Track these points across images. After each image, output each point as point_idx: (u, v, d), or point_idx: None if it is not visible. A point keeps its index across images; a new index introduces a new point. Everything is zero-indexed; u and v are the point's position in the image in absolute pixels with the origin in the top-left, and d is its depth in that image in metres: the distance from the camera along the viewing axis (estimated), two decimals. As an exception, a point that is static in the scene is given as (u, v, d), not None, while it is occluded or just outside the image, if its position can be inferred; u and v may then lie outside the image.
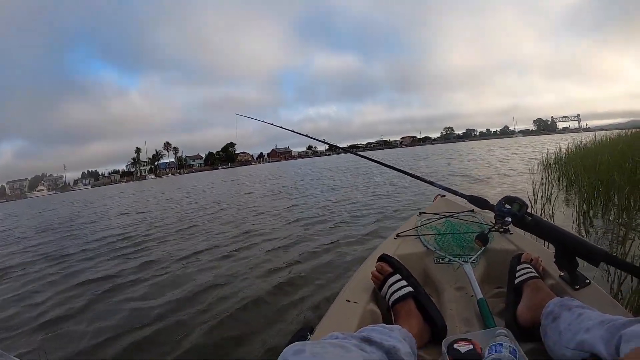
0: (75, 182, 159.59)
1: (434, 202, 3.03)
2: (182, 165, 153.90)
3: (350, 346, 0.93)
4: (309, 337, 1.28)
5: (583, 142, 11.94)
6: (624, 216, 4.30)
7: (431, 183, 1.97)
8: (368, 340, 1.04)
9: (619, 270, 2.59)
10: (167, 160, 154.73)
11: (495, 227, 1.58)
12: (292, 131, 2.94)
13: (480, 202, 1.72)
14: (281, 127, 3.08)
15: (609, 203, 5.00)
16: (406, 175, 2.08)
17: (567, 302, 1.26)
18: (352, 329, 1.27)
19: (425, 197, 8.11)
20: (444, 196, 3.05)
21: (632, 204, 4.47)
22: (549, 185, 6.69)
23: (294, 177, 21.84)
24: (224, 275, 4.36)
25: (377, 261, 1.65)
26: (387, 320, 1.50)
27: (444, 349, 1.20)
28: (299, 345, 0.87)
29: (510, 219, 1.52)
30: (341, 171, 23.27)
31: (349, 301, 1.55)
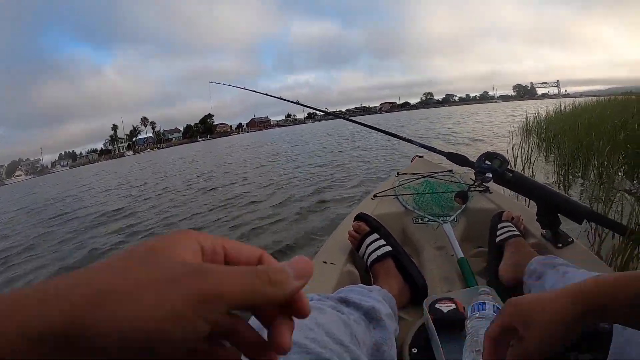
0: (53, 164, 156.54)
1: (412, 162, 2.96)
2: (161, 139, 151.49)
3: (325, 308, 0.87)
4: None
5: (562, 107, 11.97)
6: (604, 176, 4.31)
7: (409, 141, 1.90)
8: (345, 301, 0.98)
9: (599, 229, 2.60)
10: (145, 136, 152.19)
11: (476, 183, 1.53)
12: (270, 95, 2.80)
13: (459, 159, 1.66)
14: (257, 92, 2.94)
15: (589, 164, 5.03)
16: (387, 136, 2.01)
17: (550, 260, 1.22)
18: (329, 291, 1.21)
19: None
20: (422, 157, 2.98)
21: (611, 165, 4.47)
22: (529, 147, 6.70)
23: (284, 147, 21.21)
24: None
25: (354, 220, 1.58)
26: (366, 282, 1.45)
27: (425, 308, 1.16)
28: None
29: (490, 175, 1.47)
30: (328, 134, 23.20)
31: (325, 262, 1.49)
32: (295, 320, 0.71)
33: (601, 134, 5.70)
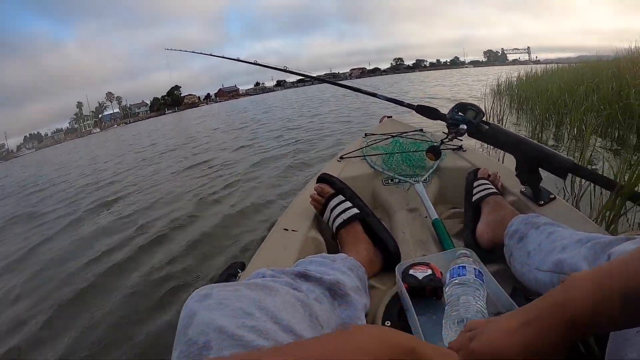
0: (19, 147, 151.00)
1: (380, 123, 2.82)
2: (128, 114, 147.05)
3: (278, 286, 0.72)
4: (239, 274, 1.08)
5: (534, 72, 12.01)
6: (578, 135, 4.34)
7: (374, 95, 1.78)
8: (304, 276, 0.84)
9: (579, 186, 2.54)
10: (112, 112, 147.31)
11: (449, 137, 1.40)
12: (236, 60, 2.64)
13: (430, 112, 1.54)
14: (219, 57, 2.76)
15: (562, 124, 5.07)
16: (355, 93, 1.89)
17: (533, 219, 1.11)
18: (290, 262, 1.08)
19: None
20: (391, 117, 2.86)
21: (585, 126, 4.45)
22: (500, 108, 6.73)
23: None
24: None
25: (317, 183, 1.44)
26: (334, 250, 1.32)
27: (398, 276, 1.04)
28: (206, 289, 0.65)
29: (465, 127, 1.36)
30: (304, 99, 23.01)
31: (286, 230, 1.36)
32: (229, 304, 0.61)
33: (574, 96, 5.69)
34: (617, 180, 1.74)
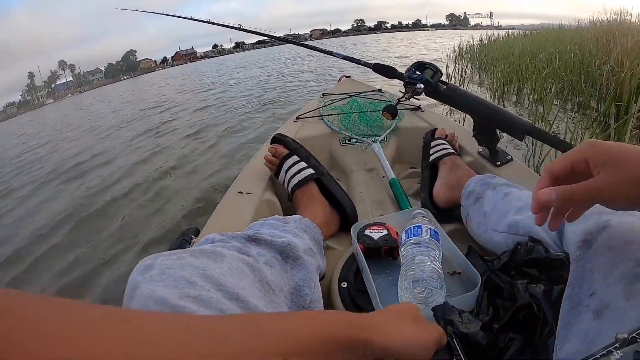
0: None
1: (338, 83, 2.75)
2: (82, 83, 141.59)
3: (225, 251, 0.69)
4: (193, 241, 1.04)
5: (496, 36, 12.07)
6: (538, 100, 4.43)
7: (330, 53, 1.73)
8: (255, 240, 0.80)
9: (538, 149, 2.56)
10: (65, 80, 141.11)
11: (406, 96, 1.37)
12: (189, 18, 2.52)
13: (387, 71, 1.51)
14: (171, 16, 2.64)
15: (523, 88, 5.15)
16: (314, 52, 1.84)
17: (489, 180, 1.11)
18: (244, 226, 1.03)
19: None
20: (349, 77, 2.80)
21: (546, 90, 4.55)
22: (461, 71, 6.77)
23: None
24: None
25: (271, 143, 1.40)
26: (290, 212, 1.28)
27: (353, 236, 1.03)
28: (149, 259, 0.61)
29: (422, 86, 1.33)
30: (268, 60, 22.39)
31: (241, 193, 1.31)
32: (172, 273, 0.58)
33: (537, 61, 5.79)
34: (574, 144, 1.76)
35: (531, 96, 4.68)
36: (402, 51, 16.06)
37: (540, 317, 0.65)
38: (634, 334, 0.40)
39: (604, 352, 0.39)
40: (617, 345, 0.39)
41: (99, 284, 2.17)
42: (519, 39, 10.26)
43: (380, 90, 2.28)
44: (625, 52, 4.48)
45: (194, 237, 1.07)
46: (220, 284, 0.59)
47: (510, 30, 14.80)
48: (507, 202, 0.96)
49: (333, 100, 2.14)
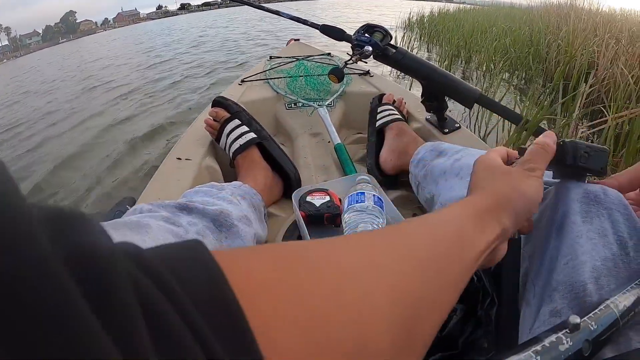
0: None
1: (286, 46, 2.69)
2: (18, 47, 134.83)
3: (152, 222, 0.64)
4: (128, 211, 0.98)
5: (446, 9, 12.17)
6: (486, 72, 4.51)
7: (277, 13, 1.65)
8: (187, 209, 0.76)
9: (486, 117, 2.59)
10: (0, 45, 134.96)
11: (353, 59, 1.33)
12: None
13: (335, 32, 1.45)
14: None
15: (470, 61, 5.25)
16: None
17: (439, 146, 1.08)
18: (182, 194, 0.98)
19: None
20: (298, 40, 2.72)
21: (494, 64, 4.62)
22: (410, 41, 6.81)
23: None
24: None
25: (212, 107, 1.33)
26: (232, 178, 1.22)
27: (294, 204, 0.99)
28: None
29: (370, 49, 1.28)
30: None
31: (180, 159, 1.24)
32: None
33: (487, 35, 5.89)
34: (522, 115, 1.77)
35: (479, 69, 4.76)
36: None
37: (480, 287, 0.64)
38: (585, 318, 0.39)
39: (554, 339, 0.37)
40: (567, 331, 0.37)
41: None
42: (470, 13, 10.40)
43: (329, 54, 2.22)
44: (576, 32, 4.62)
45: (129, 207, 1.00)
46: None
47: (462, 5, 14.97)
48: (459, 167, 0.94)
49: (280, 63, 2.08)
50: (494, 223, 0.44)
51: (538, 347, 0.36)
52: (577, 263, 0.48)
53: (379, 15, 16.31)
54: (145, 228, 0.61)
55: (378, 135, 1.36)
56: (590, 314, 0.40)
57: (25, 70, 13.99)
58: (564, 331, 0.37)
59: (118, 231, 0.58)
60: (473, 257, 0.40)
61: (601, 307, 0.41)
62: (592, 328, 0.38)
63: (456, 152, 1.00)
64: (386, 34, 1.33)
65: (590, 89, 2.95)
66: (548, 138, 0.55)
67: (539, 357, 0.35)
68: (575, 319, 0.38)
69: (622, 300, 0.41)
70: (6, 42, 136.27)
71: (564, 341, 0.36)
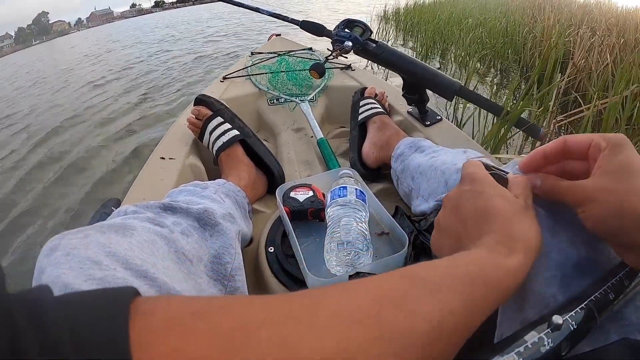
0: None
1: (268, 41, 2.68)
2: None
3: (137, 224, 0.63)
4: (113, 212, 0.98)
5: (422, 0, 12.21)
6: (462, 63, 4.58)
7: (257, 10, 1.64)
8: (171, 208, 0.75)
9: (464, 112, 2.61)
10: None
11: (333, 54, 1.34)
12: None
13: (315, 28, 1.46)
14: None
15: (447, 52, 5.31)
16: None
17: (418, 142, 1.11)
18: (167, 193, 0.98)
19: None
20: (280, 35, 2.73)
21: (469, 55, 4.66)
22: (386, 33, 6.90)
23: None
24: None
25: (194, 105, 1.32)
26: (217, 176, 1.22)
27: (278, 200, 1.00)
28: (55, 240, 0.53)
29: (350, 44, 1.29)
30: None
31: (163, 158, 1.24)
32: (77, 254, 0.52)
33: (462, 26, 5.93)
34: (503, 106, 1.79)
35: (455, 59, 4.81)
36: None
37: None
38: (567, 317, 0.39)
39: (536, 339, 0.38)
40: (549, 330, 0.38)
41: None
42: (445, 5, 10.44)
43: (311, 49, 2.23)
44: (551, 22, 4.68)
45: (114, 209, 0.99)
46: (126, 262, 0.54)
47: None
48: (433, 163, 0.96)
49: (262, 59, 2.08)
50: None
51: (521, 349, 0.37)
52: (549, 276, 0.47)
53: (355, 6, 16.31)
54: (130, 230, 0.61)
55: (360, 129, 1.37)
56: (572, 313, 0.40)
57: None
58: (545, 331, 0.38)
59: (104, 234, 0.57)
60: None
61: (582, 306, 0.41)
62: (572, 327, 0.39)
63: (434, 151, 1.03)
64: (366, 28, 1.34)
65: (567, 79, 3.00)
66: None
67: (521, 359, 0.36)
68: (557, 319, 0.38)
69: (601, 298, 0.42)
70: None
71: (546, 342, 0.37)
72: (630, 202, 0.39)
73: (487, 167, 0.53)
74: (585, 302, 0.41)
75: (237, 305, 0.31)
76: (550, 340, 0.37)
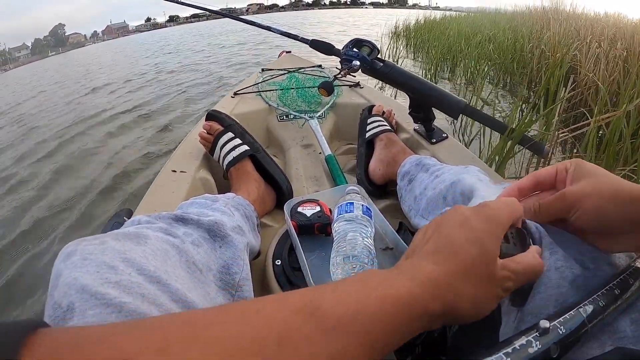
0: None
1: (278, 58, 2.74)
2: (7, 60, 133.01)
3: (150, 233, 0.66)
4: (126, 222, 1.01)
5: (432, 17, 12.26)
6: (470, 79, 4.60)
7: (268, 28, 1.69)
8: (182, 220, 0.78)
9: (469, 129, 2.62)
10: None
11: (342, 73, 1.37)
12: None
13: (324, 47, 1.50)
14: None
15: (456, 68, 5.32)
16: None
17: (424, 161, 1.13)
18: (177, 205, 1.02)
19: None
20: (290, 52, 2.79)
21: (478, 71, 4.68)
22: (396, 49, 6.88)
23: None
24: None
25: (205, 120, 1.36)
26: (226, 190, 1.25)
27: (286, 214, 1.02)
28: (71, 246, 0.56)
29: (358, 63, 1.33)
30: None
31: (174, 171, 1.28)
32: (94, 259, 0.55)
33: (471, 43, 5.96)
34: (507, 124, 1.80)
35: (463, 75, 4.84)
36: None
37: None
38: (555, 322, 0.42)
39: (524, 342, 0.40)
40: (537, 334, 0.40)
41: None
42: (455, 21, 10.48)
43: (320, 66, 2.27)
44: (558, 37, 4.69)
45: (126, 219, 1.02)
46: (141, 268, 0.57)
47: (448, 12, 15.07)
48: (437, 183, 0.98)
49: (272, 75, 2.12)
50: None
51: (509, 350, 0.39)
52: (545, 296, 0.51)
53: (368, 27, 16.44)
54: (144, 238, 0.63)
55: (368, 146, 1.39)
56: (560, 319, 0.42)
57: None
58: (534, 334, 0.40)
59: (119, 242, 0.59)
60: None
61: (571, 312, 0.43)
62: (560, 332, 0.41)
63: (438, 169, 1.05)
64: (373, 48, 1.38)
65: (571, 94, 3.00)
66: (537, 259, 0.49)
67: (509, 359, 0.38)
68: (545, 324, 0.40)
69: (591, 306, 0.44)
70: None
71: (534, 344, 0.39)
72: (604, 189, 0.49)
73: (523, 224, 0.53)
74: (575, 309, 0.44)
75: (116, 336, 0.31)
76: (538, 343, 0.39)
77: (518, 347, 0.39)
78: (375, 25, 14.30)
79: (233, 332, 0.31)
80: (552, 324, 0.41)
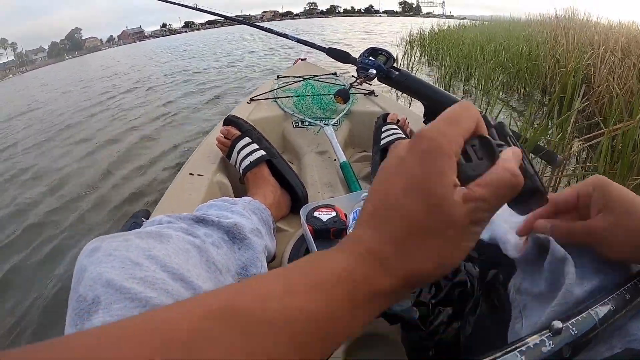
0: None
1: (294, 65, 2.77)
2: (24, 62, 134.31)
3: (172, 232, 0.68)
4: (143, 223, 1.03)
5: (447, 26, 12.25)
6: (485, 88, 4.59)
7: (285, 36, 1.71)
8: (202, 221, 0.80)
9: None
10: (7, 60, 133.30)
11: (358, 80, 1.39)
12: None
13: (340, 55, 1.51)
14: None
15: (470, 77, 5.31)
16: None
17: None
18: (194, 208, 1.03)
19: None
20: (305, 59, 2.81)
21: (492, 80, 4.69)
22: (411, 58, 6.89)
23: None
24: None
25: (223, 125, 1.39)
26: (242, 194, 1.27)
27: (302, 218, 1.04)
28: (95, 242, 0.59)
29: (374, 72, 1.34)
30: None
31: (191, 174, 1.30)
32: (119, 255, 0.56)
33: (485, 51, 5.97)
34: (521, 133, 1.80)
35: (478, 84, 4.84)
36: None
37: (472, 294, 0.68)
38: (567, 323, 0.42)
39: (537, 341, 0.40)
40: (550, 334, 0.41)
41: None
42: (469, 29, 10.47)
43: (335, 73, 2.29)
44: (572, 46, 4.67)
45: (144, 219, 1.05)
46: (165, 265, 0.59)
47: (462, 21, 15.04)
48: None
49: (287, 82, 2.14)
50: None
51: (523, 348, 0.39)
52: (557, 309, 0.48)
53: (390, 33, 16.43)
54: (166, 237, 0.65)
55: (382, 154, 1.40)
56: (572, 320, 0.43)
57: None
58: (547, 334, 0.41)
59: (143, 240, 0.62)
60: None
61: (583, 314, 0.44)
62: (573, 333, 0.41)
63: None
64: (389, 56, 1.39)
65: (585, 104, 2.99)
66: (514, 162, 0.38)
67: (523, 357, 0.38)
68: (558, 324, 0.41)
69: (602, 309, 0.44)
70: (12, 57, 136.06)
71: (547, 344, 0.40)
72: (632, 226, 0.46)
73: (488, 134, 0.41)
74: (586, 311, 0.44)
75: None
76: (551, 342, 0.40)
77: (532, 346, 0.39)
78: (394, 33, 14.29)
79: (134, 344, 0.26)
80: (564, 324, 0.41)
